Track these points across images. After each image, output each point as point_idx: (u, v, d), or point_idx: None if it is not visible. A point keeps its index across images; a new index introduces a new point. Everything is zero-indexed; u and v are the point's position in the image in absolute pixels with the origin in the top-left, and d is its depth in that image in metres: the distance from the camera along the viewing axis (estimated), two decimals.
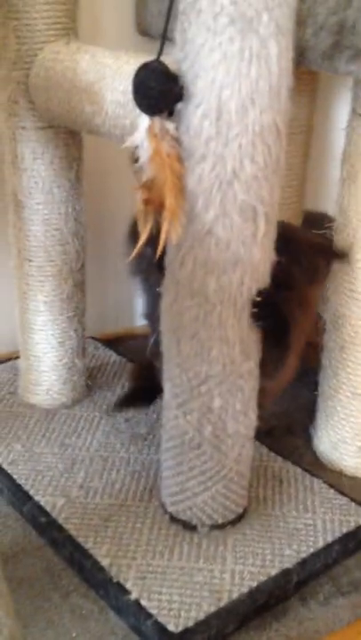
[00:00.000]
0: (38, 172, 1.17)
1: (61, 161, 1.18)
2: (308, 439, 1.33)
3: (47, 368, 1.33)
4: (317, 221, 1.28)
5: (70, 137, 1.18)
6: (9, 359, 1.46)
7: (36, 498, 1.10)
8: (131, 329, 1.66)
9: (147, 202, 0.85)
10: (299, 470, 1.20)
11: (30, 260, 1.24)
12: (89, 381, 1.40)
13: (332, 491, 1.15)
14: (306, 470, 1.20)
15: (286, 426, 1.38)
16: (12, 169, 1.19)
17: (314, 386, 1.47)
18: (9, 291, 1.35)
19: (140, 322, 1.67)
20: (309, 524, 1.07)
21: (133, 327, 1.66)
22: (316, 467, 1.26)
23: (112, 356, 1.53)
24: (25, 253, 1.24)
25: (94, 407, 1.35)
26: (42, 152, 1.16)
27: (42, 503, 1.09)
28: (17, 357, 1.39)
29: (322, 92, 1.40)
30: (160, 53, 0.80)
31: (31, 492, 1.11)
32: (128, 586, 0.94)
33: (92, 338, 1.56)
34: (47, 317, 1.28)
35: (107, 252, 1.54)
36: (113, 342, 1.60)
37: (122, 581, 0.95)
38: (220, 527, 1.04)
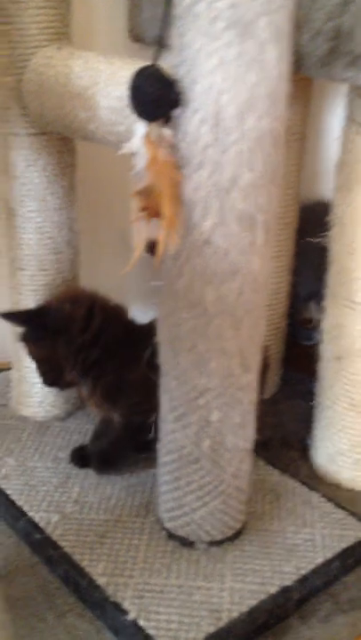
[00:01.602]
0: (31, 179, 1.15)
1: (55, 168, 1.15)
2: (304, 451, 1.31)
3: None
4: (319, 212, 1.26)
5: (64, 143, 1.15)
6: (0, 370, 1.44)
7: (30, 513, 1.07)
8: None
9: (143, 209, 0.83)
10: (296, 484, 1.17)
11: (23, 270, 1.22)
12: None
13: (330, 504, 1.12)
14: (303, 484, 1.17)
15: (282, 438, 1.36)
16: (3, 176, 1.17)
17: (309, 396, 1.45)
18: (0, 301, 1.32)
19: None
20: (308, 539, 1.05)
21: None
22: (313, 479, 1.23)
23: None
24: (17, 262, 1.22)
25: (88, 419, 1.32)
26: (35, 159, 1.14)
27: (36, 519, 1.06)
28: (8, 369, 1.36)
29: (314, 99, 1.39)
30: (157, 58, 0.78)
31: (25, 508, 1.08)
32: (125, 605, 0.91)
33: None
34: None
35: (100, 261, 1.51)
36: None
37: (119, 601, 0.92)
38: (219, 544, 1.02)
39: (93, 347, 1.09)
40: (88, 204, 1.33)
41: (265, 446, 1.31)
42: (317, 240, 1.30)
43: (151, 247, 1.28)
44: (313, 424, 1.28)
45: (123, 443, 1.16)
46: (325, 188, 1.32)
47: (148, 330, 1.02)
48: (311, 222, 1.37)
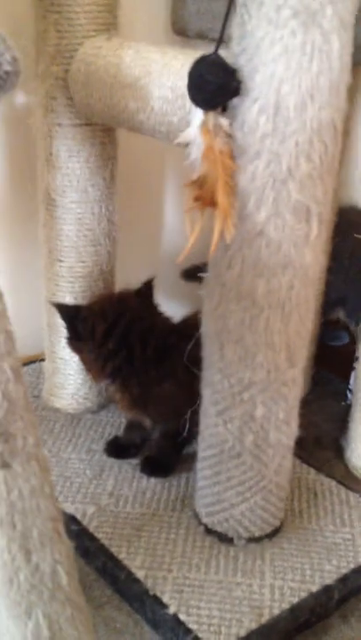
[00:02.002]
0: (73, 170, 1.14)
1: (97, 159, 1.15)
2: (338, 451, 1.30)
3: (73, 371, 1.29)
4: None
5: (107, 135, 1.15)
6: (32, 361, 1.43)
7: (66, 505, 1.06)
8: None
9: (196, 199, 0.82)
10: (333, 483, 1.16)
11: (61, 261, 1.21)
12: None
13: None
14: (341, 483, 1.16)
15: (315, 437, 1.35)
16: (45, 167, 1.16)
17: (341, 397, 1.44)
18: (35, 291, 1.32)
19: None
20: (348, 538, 1.04)
21: None
22: (348, 479, 1.22)
23: None
24: (55, 254, 1.21)
25: (120, 413, 1.31)
26: (77, 150, 1.13)
27: (72, 511, 1.05)
28: (42, 360, 1.36)
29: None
30: (218, 47, 0.78)
31: (60, 499, 1.08)
32: (165, 599, 0.91)
33: None
34: None
35: (136, 254, 1.51)
36: None
37: (158, 594, 0.91)
38: (257, 540, 1.01)
39: (114, 358, 1.09)
40: (125, 196, 1.32)
41: (299, 445, 1.30)
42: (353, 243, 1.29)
43: (188, 273, 1.27)
44: (348, 424, 1.27)
45: (166, 450, 1.16)
46: None
47: (181, 336, 1.03)
48: (348, 225, 1.37)
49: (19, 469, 0.53)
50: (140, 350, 1.08)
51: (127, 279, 1.36)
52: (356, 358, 1.25)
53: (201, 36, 1.28)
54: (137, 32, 1.35)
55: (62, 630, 0.55)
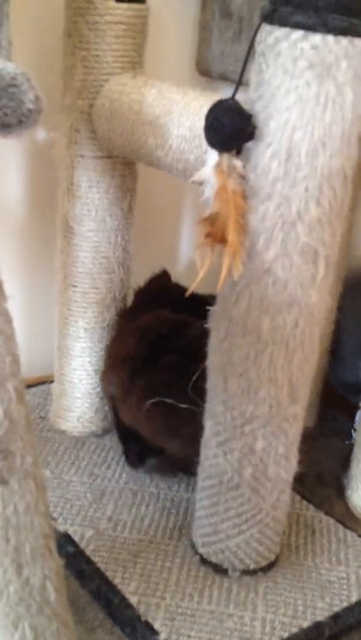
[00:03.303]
0: (92, 200, 1.18)
1: (116, 190, 1.19)
2: (339, 489, 1.30)
3: (81, 395, 1.32)
4: None
5: (127, 168, 1.19)
6: (41, 383, 1.46)
7: (64, 527, 1.08)
8: None
9: (207, 236, 0.85)
10: (331, 521, 1.17)
11: (75, 286, 1.25)
12: None
13: None
14: (339, 521, 1.17)
15: (317, 474, 1.36)
16: (66, 196, 1.20)
17: (345, 435, 1.45)
18: (47, 315, 1.35)
19: None
20: (343, 577, 1.04)
21: None
22: (348, 518, 1.22)
23: None
24: (70, 279, 1.25)
25: None
26: (98, 181, 1.17)
27: (70, 532, 1.07)
28: (51, 381, 1.39)
29: None
30: (235, 92, 0.81)
31: (59, 521, 1.09)
32: (157, 626, 0.92)
33: None
34: (86, 344, 1.28)
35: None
36: None
37: (150, 621, 0.92)
38: (252, 573, 1.02)
39: None
40: (142, 227, 1.36)
41: (299, 481, 1.31)
42: None
43: None
44: (350, 463, 1.28)
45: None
46: None
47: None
48: None
49: (15, 486, 0.55)
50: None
51: None
52: None
53: (224, 78, 1.33)
54: (162, 71, 1.40)
55: None
